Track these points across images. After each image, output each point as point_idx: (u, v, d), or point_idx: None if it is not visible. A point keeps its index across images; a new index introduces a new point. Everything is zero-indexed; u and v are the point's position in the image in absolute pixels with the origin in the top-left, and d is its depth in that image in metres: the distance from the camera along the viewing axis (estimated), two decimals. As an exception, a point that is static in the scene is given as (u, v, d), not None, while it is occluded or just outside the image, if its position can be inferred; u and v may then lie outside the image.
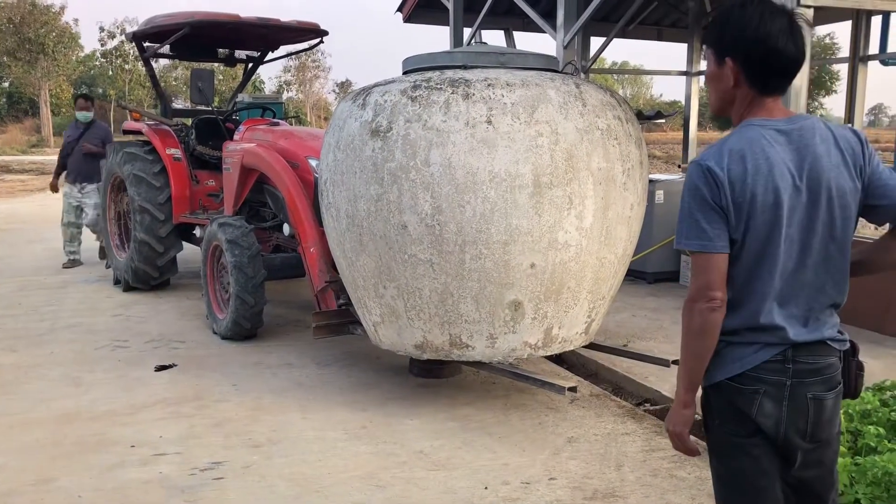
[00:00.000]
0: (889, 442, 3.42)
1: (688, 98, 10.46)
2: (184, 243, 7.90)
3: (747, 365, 1.99)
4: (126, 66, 52.86)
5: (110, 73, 55.72)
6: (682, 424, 2.11)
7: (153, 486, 3.66)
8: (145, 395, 4.90)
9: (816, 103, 46.81)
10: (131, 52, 49.03)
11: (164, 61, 47.26)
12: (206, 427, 4.39)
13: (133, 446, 4.11)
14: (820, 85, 42.61)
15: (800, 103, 4.30)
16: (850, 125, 7.89)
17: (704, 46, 2.10)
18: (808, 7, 3.93)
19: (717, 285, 1.93)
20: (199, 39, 7.89)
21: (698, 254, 1.95)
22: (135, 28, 8.07)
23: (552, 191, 4.01)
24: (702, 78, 10.85)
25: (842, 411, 3.64)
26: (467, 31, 9.76)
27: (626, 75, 73.87)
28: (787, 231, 1.93)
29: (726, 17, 2.01)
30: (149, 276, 7.74)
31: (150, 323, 6.71)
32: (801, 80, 4.07)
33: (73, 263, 9.43)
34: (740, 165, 1.92)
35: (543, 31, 7.92)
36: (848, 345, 2.07)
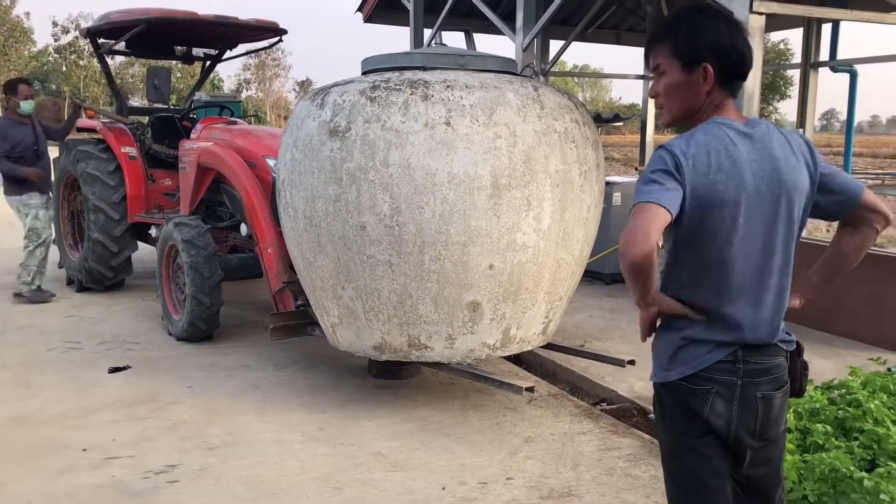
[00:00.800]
0: (836, 440, 3.51)
1: (645, 101, 10.60)
2: (139, 243, 7.78)
3: (700, 365, 2.01)
4: (81, 63, 51.93)
5: (64, 69, 54.63)
6: (649, 320, 2.09)
7: (105, 491, 3.60)
8: (98, 397, 4.81)
9: (771, 107, 47.77)
10: (86, 48, 48.14)
11: (119, 58, 46.53)
12: (160, 430, 4.32)
13: (85, 450, 4.04)
14: (775, 90, 43.51)
15: (752, 107, 4.39)
16: (799, 130, 8.07)
17: (657, 55, 2.10)
18: (761, 14, 4.01)
19: (654, 233, 1.87)
20: (155, 36, 7.78)
21: (646, 203, 1.89)
22: (89, 24, 7.92)
23: (510, 192, 4.03)
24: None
25: (791, 410, 3.74)
26: (427, 32, 9.76)
27: (586, 78, 74.65)
28: (746, 230, 1.96)
29: (692, 24, 2.03)
30: (103, 277, 7.61)
31: (104, 324, 6.59)
32: (754, 84, 4.16)
33: (44, 297, 7.45)
34: (705, 158, 1.94)
35: (503, 34, 7.96)
36: (794, 345, 2.12)
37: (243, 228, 6.33)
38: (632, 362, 4.79)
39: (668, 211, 1.89)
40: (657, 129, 12.21)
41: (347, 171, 4.07)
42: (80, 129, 8.44)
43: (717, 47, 2.00)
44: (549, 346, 4.97)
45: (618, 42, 11.39)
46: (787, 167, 1.99)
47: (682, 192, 1.92)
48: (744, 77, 2.06)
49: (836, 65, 7.75)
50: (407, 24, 9.88)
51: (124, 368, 5.37)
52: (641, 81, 10.62)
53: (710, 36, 2.00)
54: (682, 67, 2.04)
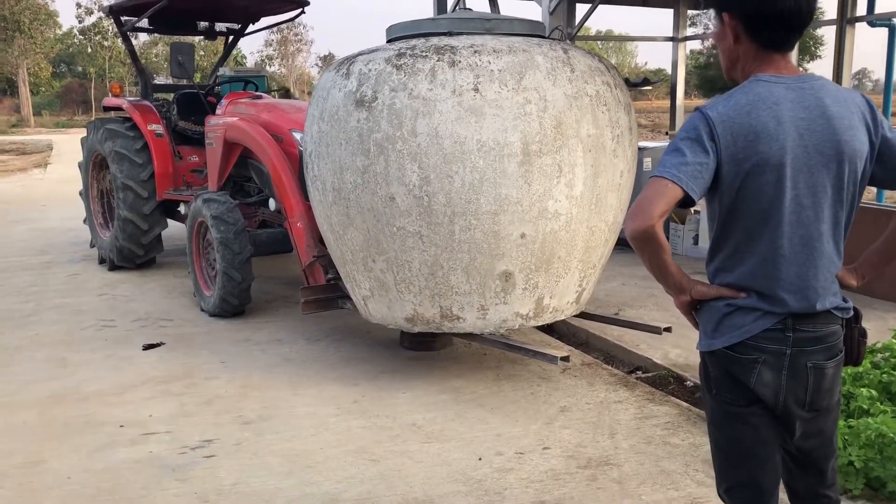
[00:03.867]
0: (881, 404, 3.42)
1: (674, 65, 10.38)
2: (168, 220, 7.81)
3: (746, 334, 1.93)
4: (105, 43, 52.10)
5: (89, 50, 54.93)
6: (683, 309, 2.06)
7: (143, 466, 3.62)
8: (133, 374, 4.85)
9: (801, 69, 46.74)
10: (110, 28, 48.29)
11: (143, 38, 46.68)
12: (195, 405, 4.35)
13: (122, 426, 4.07)
14: (804, 50, 42.48)
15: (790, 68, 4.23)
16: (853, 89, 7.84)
17: (705, 9, 2.04)
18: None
19: (657, 209, 1.82)
20: (177, 12, 7.74)
21: (659, 178, 1.83)
22: (112, 2, 7.90)
23: (541, 159, 3.95)
24: (689, 44, 10.78)
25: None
26: (451, 0, 9.61)
27: (610, 43, 73.55)
28: (794, 193, 1.86)
29: None
30: (134, 255, 7.65)
31: (137, 302, 6.63)
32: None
33: None
34: (746, 119, 1.84)
35: (528, -1, 7.80)
36: (851, 312, 2.03)
37: (272, 203, 6.32)
38: (668, 329, 4.71)
39: (682, 187, 1.81)
40: (686, 94, 11.98)
41: (375, 141, 4.01)
42: (106, 108, 8.46)
43: None
44: (582, 315, 4.90)
45: (645, 4, 11.13)
46: (842, 127, 1.87)
47: (712, 161, 1.84)
48: (790, 29, 1.90)
49: (873, 19, 7.50)
50: (430, -7, 9.73)
51: (158, 345, 5.41)
52: (670, 44, 10.40)
53: None
54: (717, 17, 1.98)
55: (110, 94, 8.81)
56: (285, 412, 4.23)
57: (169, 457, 3.71)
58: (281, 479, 3.47)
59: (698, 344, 2.06)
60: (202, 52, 43.63)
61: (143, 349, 5.32)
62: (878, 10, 7.67)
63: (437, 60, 3.97)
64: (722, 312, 1.97)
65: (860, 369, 3.71)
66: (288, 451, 3.75)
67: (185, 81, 8.19)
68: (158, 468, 3.60)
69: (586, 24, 10.25)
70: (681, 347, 4.99)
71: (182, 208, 7.70)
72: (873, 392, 3.50)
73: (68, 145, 23.58)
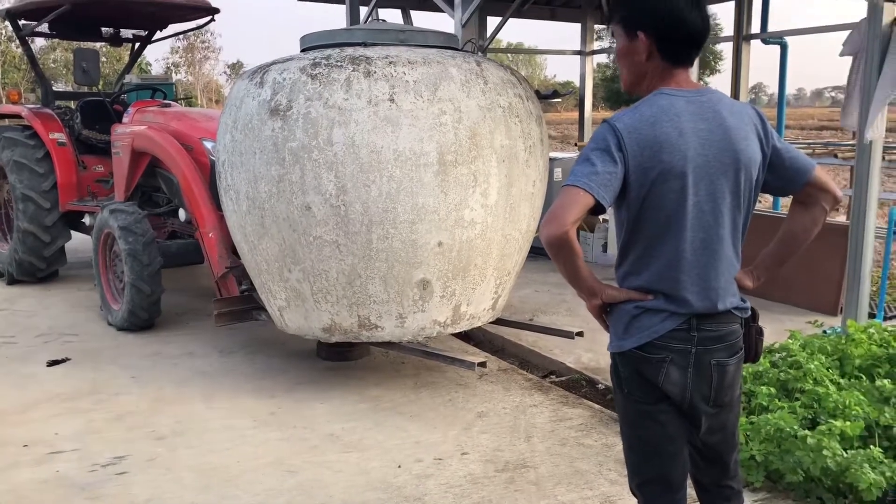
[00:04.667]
0: (779, 401, 3.62)
1: (582, 77, 10.67)
2: (72, 232, 7.52)
3: (654, 334, 2.02)
4: (-2, 47, 49.76)
5: (-19, 54, 52.30)
6: (594, 312, 2.16)
7: (50, 486, 3.48)
8: (37, 391, 4.65)
9: (702, 82, 48.65)
10: (3, 31, 46.13)
11: (40, 42, 44.77)
12: (105, 421, 4.21)
13: (26, 445, 3.90)
14: (705, 65, 44.26)
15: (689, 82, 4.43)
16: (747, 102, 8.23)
17: (612, 23, 2.11)
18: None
19: (570, 216, 1.89)
20: (81, 17, 7.48)
21: (571, 187, 1.90)
22: (9, 5, 7.58)
23: (457, 169, 4.02)
24: (595, 57, 11.09)
25: (737, 374, 3.82)
26: (364, 11, 9.62)
27: (521, 56, 74.92)
28: (696, 199, 1.97)
29: None
30: (35, 268, 7.35)
31: (39, 317, 6.37)
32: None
33: None
34: (650, 130, 1.94)
35: (441, 10, 7.89)
36: (749, 312, 2.16)
37: (182, 213, 6.18)
38: (580, 334, 4.85)
39: (593, 195, 1.89)
40: (594, 106, 12.32)
41: (290, 150, 4.00)
42: (2, 116, 8.11)
43: (655, 15, 1.99)
44: (498, 322, 4.99)
45: (553, 18, 11.40)
46: (738, 137, 1.99)
47: (620, 170, 1.92)
48: (694, 46, 2.03)
49: (767, 37, 7.92)
50: (342, 2, 9.72)
51: (63, 361, 5.21)
52: (578, 58, 10.69)
53: (649, 4, 2.00)
54: (626, 34, 2.06)
55: (6, 101, 8.43)
56: (199, 426, 4.14)
57: (78, 475, 3.58)
58: (197, 494, 3.40)
59: (609, 345, 2.15)
60: (104, 59, 42.18)
61: (48, 365, 5.12)
62: (770, 27, 8.09)
63: (353, 70, 3.99)
64: (631, 314, 2.06)
65: (760, 368, 3.91)
66: (204, 466, 3.67)
67: (88, 89, 7.92)
68: (67, 487, 3.47)
69: (497, 36, 10.44)
70: (592, 351, 5.14)
71: (87, 219, 7.43)
72: (772, 390, 3.70)
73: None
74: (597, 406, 4.39)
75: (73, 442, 3.94)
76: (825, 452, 3.14)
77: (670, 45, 2.01)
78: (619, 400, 2.19)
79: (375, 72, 3.98)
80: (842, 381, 3.77)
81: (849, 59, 5.20)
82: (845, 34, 5.20)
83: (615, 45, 2.12)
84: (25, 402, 4.48)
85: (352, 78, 3.97)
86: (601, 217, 9.37)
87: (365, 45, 4.30)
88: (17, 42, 8.18)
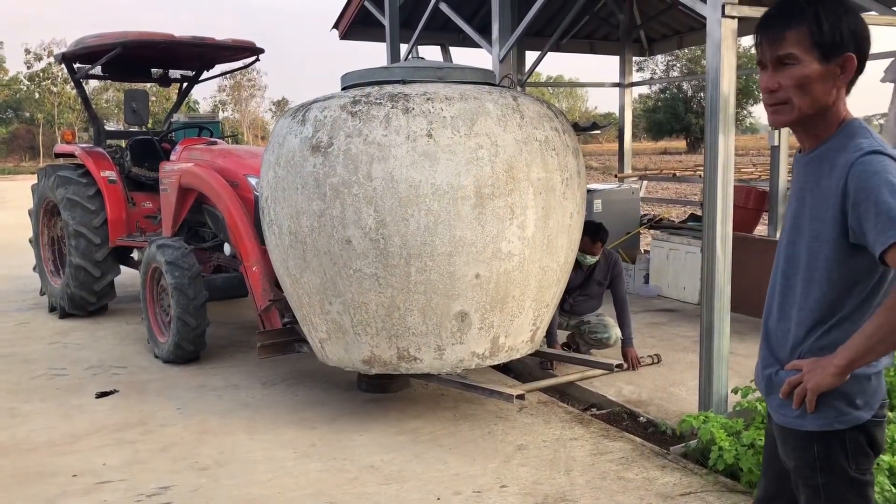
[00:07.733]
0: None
1: (622, 109, 10.69)
2: (121, 267, 7.74)
3: (882, 394, 1.87)
4: (54, 89, 51.58)
5: (37, 96, 54.27)
6: (825, 387, 1.81)
7: (98, 515, 3.57)
8: (86, 422, 4.77)
9: (745, 111, 48.28)
10: (59, 73, 47.82)
11: (93, 83, 46.28)
12: (151, 452, 4.30)
13: (75, 476, 4.00)
14: (748, 94, 44.00)
15: (728, 112, 4.43)
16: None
17: (784, 44, 1.82)
18: (733, 18, 4.07)
19: None
20: (131, 59, 7.77)
21: None
22: (64, 49, 7.91)
23: (494, 202, 4.07)
24: (636, 89, 11.10)
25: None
26: (404, 47, 9.81)
27: (562, 88, 75.16)
28: None
29: (829, 6, 1.79)
30: (86, 302, 7.55)
31: (89, 349, 6.53)
32: (730, 88, 4.22)
33: None
34: None
35: (479, 46, 8.01)
36: None
37: (227, 248, 6.32)
38: (620, 366, 4.83)
39: None
40: (634, 136, 12.30)
41: (331, 185, 4.09)
42: (57, 155, 8.40)
43: (858, 35, 1.78)
44: (537, 354, 5.00)
45: (592, 51, 11.48)
46: None
47: None
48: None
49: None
50: (383, 40, 9.93)
51: (112, 393, 5.34)
52: (617, 90, 10.73)
53: (851, 21, 1.78)
54: (821, 57, 1.78)
55: (61, 141, 8.74)
56: (242, 457, 4.21)
57: (124, 505, 3.66)
58: (239, 525, 3.45)
59: (829, 422, 1.84)
60: (154, 98, 43.42)
61: (97, 397, 5.25)
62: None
63: (392, 107, 4.08)
64: (870, 381, 1.85)
65: None
66: (246, 496, 3.73)
67: (138, 128, 8.19)
68: (113, 517, 3.55)
69: (537, 69, 10.53)
70: (634, 384, 5.10)
71: (135, 254, 7.64)
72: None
73: (14, 192, 23.18)
74: (638, 439, 4.34)
75: (120, 472, 4.03)
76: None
77: (861, 68, 1.82)
78: (840, 484, 1.85)
79: (413, 108, 4.07)
80: None
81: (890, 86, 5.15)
82: (887, 62, 5.17)
83: (785, 69, 1.83)
84: (74, 433, 4.60)
85: (390, 115, 4.06)
86: (643, 248, 9.32)
87: (403, 82, 4.39)
88: (73, 84, 8.49)
